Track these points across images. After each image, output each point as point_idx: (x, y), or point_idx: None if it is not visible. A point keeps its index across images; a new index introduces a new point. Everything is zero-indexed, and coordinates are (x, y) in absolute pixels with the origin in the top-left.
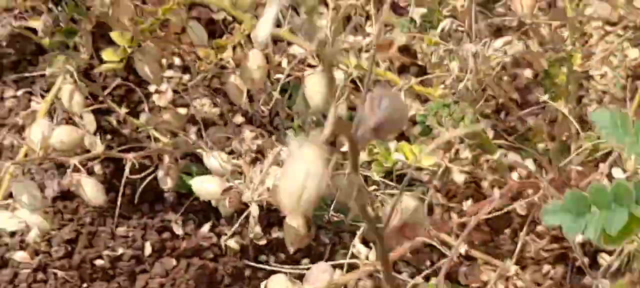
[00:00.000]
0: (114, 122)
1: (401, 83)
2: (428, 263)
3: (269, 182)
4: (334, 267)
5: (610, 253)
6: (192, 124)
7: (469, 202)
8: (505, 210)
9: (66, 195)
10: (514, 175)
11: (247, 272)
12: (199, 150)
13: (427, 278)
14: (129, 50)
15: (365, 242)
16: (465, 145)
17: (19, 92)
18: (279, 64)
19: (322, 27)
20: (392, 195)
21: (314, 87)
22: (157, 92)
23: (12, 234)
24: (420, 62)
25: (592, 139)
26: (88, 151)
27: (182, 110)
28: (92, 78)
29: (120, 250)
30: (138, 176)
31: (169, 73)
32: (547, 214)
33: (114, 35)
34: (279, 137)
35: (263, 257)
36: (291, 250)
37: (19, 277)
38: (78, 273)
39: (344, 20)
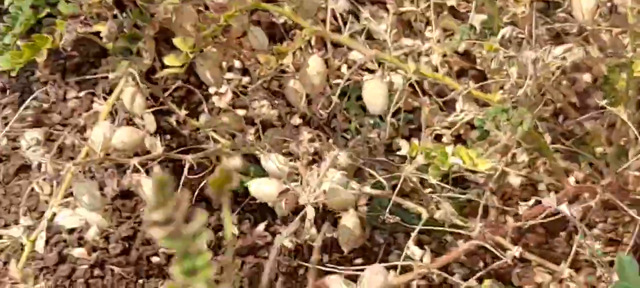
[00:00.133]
0: (174, 123)
1: (460, 88)
2: (481, 264)
3: (325, 185)
4: (388, 268)
5: None
6: (250, 125)
7: (525, 205)
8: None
9: (125, 193)
10: (571, 179)
11: (301, 271)
12: (256, 152)
13: (480, 280)
14: (191, 56)
15: (419, 244)
16: (522, 149)
17: (82, 93)
18: (338, 69)
19: (380, 31)
20: (449, 197)
21: (372, 91)
22: (216, 94)
23: (71, 231)
24: (479, 67)
25: None
26: (148, 152)
27: (241, 112)
28: (153, 80)
29: None
30: (196, 176)
31: (228, 75)
32: None
33: (176, 41)
34: (336, 140)
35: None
36: (346, 250)
37: (77, 272)
38: (134, 270)
39: (404, 25)
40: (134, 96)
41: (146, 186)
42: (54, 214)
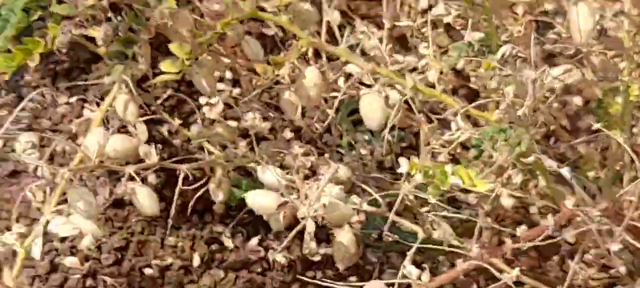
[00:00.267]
0: (165, 133)
1: (457, 107)
2: (474, 287)
3: (324, 198)
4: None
5: None
6: (241, 137)
7: (522, 226)
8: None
9: (117, 203)
10: (568, 203)
11: (295, 287)
12: (250, 164)
13: None
14: (187, 63)
15: (414, 263)
16: (517, 170)
17: (72, 99)
18: (334, 82)
19: (374, 46)
20: (444, 216)
21: (370, 105)
22: (208, 104)
23: (63, 240)
24: (472, 85)
25: None
26: (141, 160)
27: (232, 124)
28: (144, 88)
29: (169, 260)
30: (189, 187)
31: (219, 86)
32: None
33: (172, 47)
34: (331, 155)
35: (310, 274)
36: (341, 267)
37: (69, 282)
38: (127, 281)
39: (395, 41)
40: (127, 104)
41: (141, 195)
42: (48, 221)
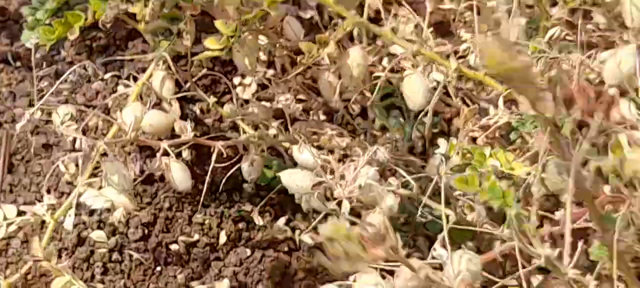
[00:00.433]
0: (198, 112)
1: (501, 88)
2: (500, 272)
3: (361, 179)
4: None
5: None
6: (274, 118)
7: (560, 211)
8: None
9: (146, 179)
10: (606, 188)
11: (321, 268)
12: (282, 145)
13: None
14: (231, 41)
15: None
16: (554, 156)
17: (107, 75)
18: (373, 65)
19: (413, 30)
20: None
21: (413, 86)
22: (241, 85)
23: (91, 213)
24: None
25: None
26: (175, 136)
27: (266, 104)
28: (179, 67)
29: (196, 237)
30: (220, 165)
31: None
32: None
33: (218, 24)
34: (364, 138)
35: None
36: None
37: (95, 255)
38: (153, 256)
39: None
40: (164, 80)
41: (174, 170)
42: (80, 193)
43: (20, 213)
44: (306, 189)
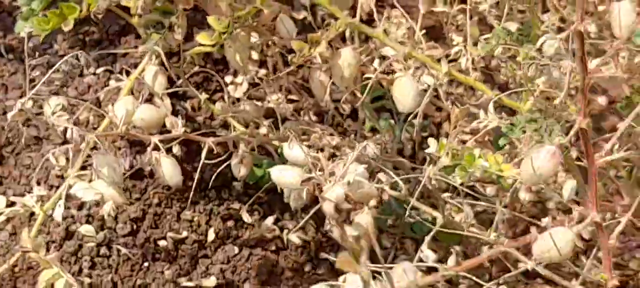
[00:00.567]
0: (189, 108)
1: (491, 94)
2: (487, 277)
3: (350, 176)
4: None
5: None
6: (264, 118)
7: (546, 218)
8: None
9: (136, 174)
10: None
11: (308, 268)
12: (273, 143)
13: None
14: (223, 37)
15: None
16: None
17: (99, 70)
18: (364, 65)
19: (405, 33)
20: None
21: (403, 88)
22: (232, 83)
23: (80, 207)
24: (499, 78)
25: None
26: (167, 132)
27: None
28: (171, 64)
29: (184, 233)
30: (210, 162)
31: None
32: None
33: (210, 19)
34: (354, 138)
35: (323, 255)
36: None
37: (83, 249)
38: (141, 252)
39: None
40: (156, 75)
41: (165, 165)
42: (70, 185)
43: (10, 204)
44: (295, 185)
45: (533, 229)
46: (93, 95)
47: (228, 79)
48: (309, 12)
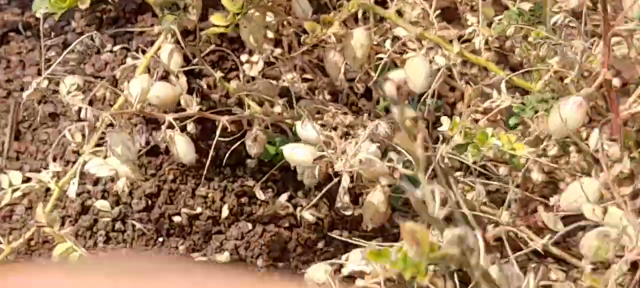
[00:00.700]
0: (204, 86)
1: (502, 74)
2: (498, 255)
3: (362, 154)
4: None
5: None
6: (279, 96)
7: (556, 196)
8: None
9: (151, 150)
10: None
11: (320, 245)
12: (286, 121)
13: None
14: (237, 17)
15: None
16: (553, 142)
17: (116, 47)
18: (378, 45)
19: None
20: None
21: (416, 68)
22: (248, 62)
23: (95, 182)
24: (513, 59)
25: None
26: (182, 110)
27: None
28: (187, 43)
29: (198, 209)
30: (224, 139)
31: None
32: None
33: (225, 0)
34: (368, 117)
35: (336, 232)
36: (369, 227)
37: (98, 224)
38: (155, 227)
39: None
40: (172, 53)
41: (179, 143)
42: (85, 162)
43: (26, 180)
44: (307, 163)
45: (540, 207)
46: (110, 72)
47: (243, 57)
48: None
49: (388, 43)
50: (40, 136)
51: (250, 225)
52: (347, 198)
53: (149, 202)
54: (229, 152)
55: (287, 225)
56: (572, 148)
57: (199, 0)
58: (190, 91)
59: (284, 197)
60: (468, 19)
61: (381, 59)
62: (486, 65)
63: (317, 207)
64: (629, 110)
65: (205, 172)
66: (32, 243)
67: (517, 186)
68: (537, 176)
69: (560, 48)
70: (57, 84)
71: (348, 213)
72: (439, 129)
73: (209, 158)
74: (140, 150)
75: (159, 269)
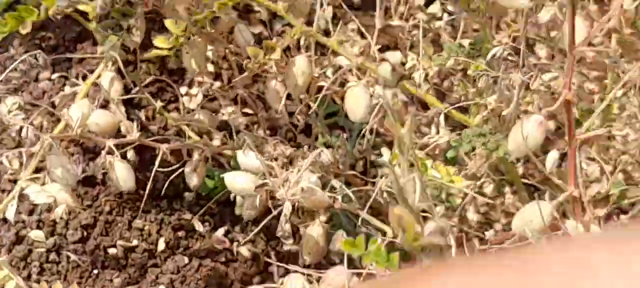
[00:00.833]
0: (143, 118)
1: (442, 107)
2: None
3: (304, 182)
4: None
5: None
6: (217, 130)
7: (491, 230)
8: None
9: (88, 181)
10: None
11: (257, 280)
12: (227, 152)
13: None
14: (180, 41)
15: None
16: (490, 179)
17: (54, 75)
18: (319, 76)
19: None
20: None
21: (356, 98)
22: (187, 94)
23: (30, 212)
24: (452, 96)
25: (618, 185)
26: (122, 137)
27: None
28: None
29: (134, 242)
30: (163, 170)
31: (198, 79)
32: None
33: (168, 23)
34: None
35: (272, 269)
36: (307, 260)
37: (33, 254)
38: (91, 259)
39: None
40: (113, 81)
41: (119, 169)
42: (23, 188)
43: None
44: (249, 191)
45: (476, 242)
46: (48, 100)
47: (183, 89)
48: (265, 28)
49: (330, 71)
50: None
51: (186, 259)
52: (288, 226)
53: (85, 233)
54: (166, 183)
55: (223, 259)
56: (507, 188)
57: (143, 22)
58: (129, 121)
59: (221, 232)
60: (408, 55)
61: (322, 89)
62: (425, 98)
63: (254, 242)
64: (585, 135)
65: (142, 204)
66: None
67: (453, 226)
68: (472, 216)
69: (498, 81)
70: None
71: (288, 242)
72: (379, 159)
73: (147, 190)
74: (77, 181)
75: None
